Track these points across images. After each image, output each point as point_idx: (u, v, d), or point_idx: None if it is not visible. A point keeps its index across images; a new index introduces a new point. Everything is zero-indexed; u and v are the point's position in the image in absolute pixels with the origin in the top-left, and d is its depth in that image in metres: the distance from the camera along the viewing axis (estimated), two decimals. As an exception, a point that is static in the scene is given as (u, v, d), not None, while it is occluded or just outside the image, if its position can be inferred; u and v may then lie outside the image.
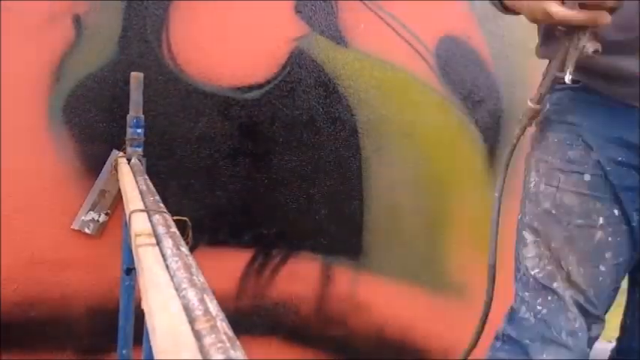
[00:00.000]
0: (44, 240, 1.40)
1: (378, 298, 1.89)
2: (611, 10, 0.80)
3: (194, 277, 0.56)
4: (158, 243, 0.69)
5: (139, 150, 1.34)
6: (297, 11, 1.62)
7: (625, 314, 1.11)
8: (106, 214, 1.43)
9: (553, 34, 0.92)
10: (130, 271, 1.24)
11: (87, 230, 1.42)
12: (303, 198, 1.66)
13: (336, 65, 1.66)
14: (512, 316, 1.03)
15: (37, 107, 1.38)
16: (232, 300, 1.59)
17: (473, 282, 2.03)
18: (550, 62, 0.94)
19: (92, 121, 1.41)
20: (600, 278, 0.96)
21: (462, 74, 1.91)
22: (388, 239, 1.79)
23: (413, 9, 1.76)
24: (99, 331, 1.46)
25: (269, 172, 1.62)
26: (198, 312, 0.47)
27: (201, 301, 0.50)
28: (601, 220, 0.95)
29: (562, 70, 0.88)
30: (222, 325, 0.45)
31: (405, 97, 1.83)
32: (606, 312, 1.01)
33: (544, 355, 0.96)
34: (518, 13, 0.93)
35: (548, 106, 1.03)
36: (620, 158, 0.94)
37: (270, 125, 1.60)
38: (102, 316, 1.45)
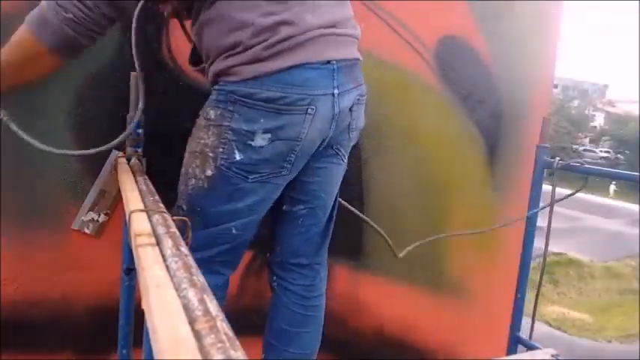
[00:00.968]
0: (44, 240, 1.40)
1: (378, 298, 1.89)
2: None
3: (194, 277, 0.56)
4: (158, 243, 0.69)
5: (139, 150, 1.33)
6: (297, 11, 1.62)
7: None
8: (106, 214, 1.43)
9: None
10: (130, 271, 1.24)
11: (87, 230, 1.42)
12: (303, 198, 1.66)
13: (336, 65, 1.65)
14: None
15: (37, 107, 1.38)
16: (232, 300, 1.59)
17: (473, 282, 2.03)
18: None
19: (92, 121, 1.40)
20: None
21: (462, 74, 1.91)
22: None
23: (413, 9, 1.76)
24: (99, 331, 1.46)
25: (269, 172, 1.61)
26: (198, 312, 0.47)
27: (201, 301, 0.50)
28: None
29: None
30: (222, 325, 0.45)
31: (405, 97, 1.83)
32: None
33: None
34: None
35: None
36: None
37: (270, 125, 1.59)
38: (102, 316, 1.45)
